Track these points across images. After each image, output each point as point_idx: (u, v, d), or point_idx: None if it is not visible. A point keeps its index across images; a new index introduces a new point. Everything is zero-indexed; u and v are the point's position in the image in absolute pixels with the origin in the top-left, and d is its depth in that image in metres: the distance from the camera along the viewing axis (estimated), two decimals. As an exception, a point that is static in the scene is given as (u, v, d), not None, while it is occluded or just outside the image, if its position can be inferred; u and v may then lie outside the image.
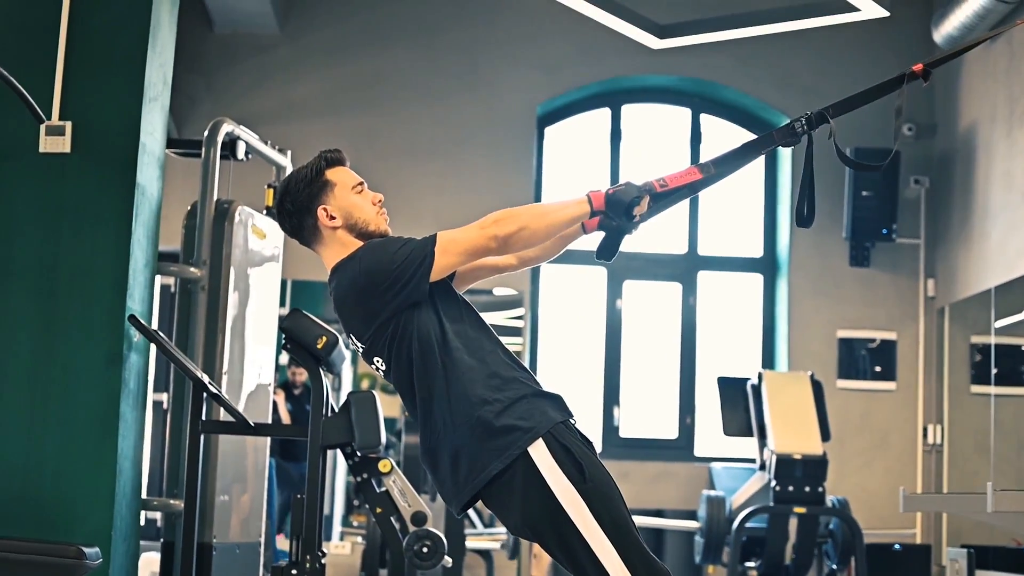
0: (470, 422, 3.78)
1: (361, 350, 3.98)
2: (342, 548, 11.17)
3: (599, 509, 3.69)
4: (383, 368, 3.94)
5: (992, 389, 11.34)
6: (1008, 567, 10.14)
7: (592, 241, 4.19)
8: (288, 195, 4.08)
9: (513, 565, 11.42)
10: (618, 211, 3.92)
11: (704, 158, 4.17)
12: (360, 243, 4.02)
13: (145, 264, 6.19)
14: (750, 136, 12.20)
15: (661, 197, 4.00)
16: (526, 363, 11.61)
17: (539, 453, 3.72)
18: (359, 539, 10.58)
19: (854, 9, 9.59)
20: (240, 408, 6.37)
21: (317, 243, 4.09)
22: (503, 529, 11.02)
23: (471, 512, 10.24)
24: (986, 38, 4.57)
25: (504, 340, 3.99)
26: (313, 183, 4.06)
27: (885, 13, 9.67)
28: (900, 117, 4.04)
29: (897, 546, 11.14)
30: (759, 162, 12.43)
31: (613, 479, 3.79)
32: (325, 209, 4.04)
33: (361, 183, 4.12)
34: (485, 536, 10.56)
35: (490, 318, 4.02)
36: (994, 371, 11.29)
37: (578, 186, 11.91)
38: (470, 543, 10.17)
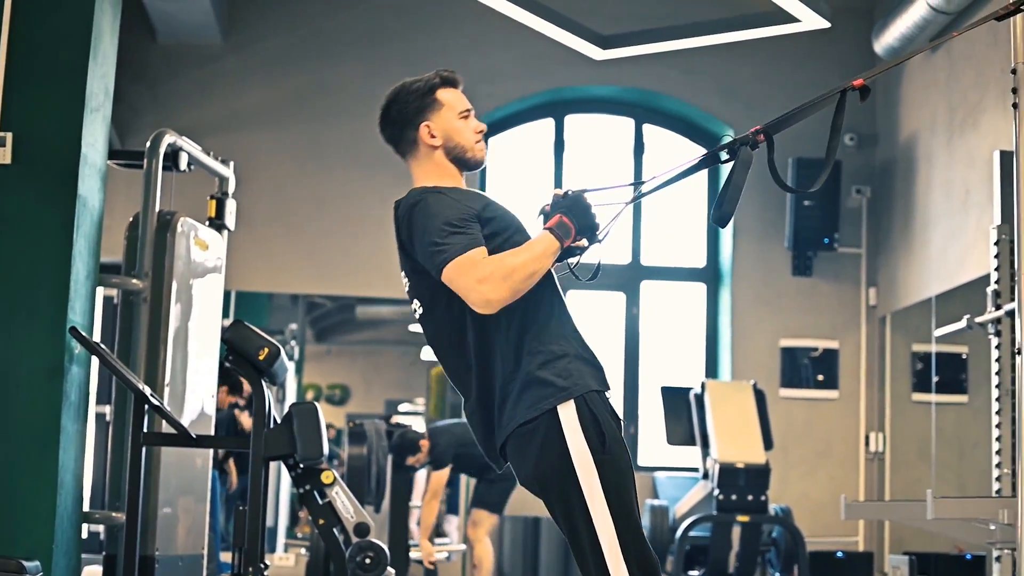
0: (517, 372, 3.80)
1: (406, 285, 4.02)
2: (286, 560, 11.15)
3: (609, 482, 3.71)
4: (420, 311, 3.97)
5: (933, 397, 11.42)
6: (949, 573, 10.21)
7: None
8: (395, 103, 4.14)
9: (458, 573, 11.42)
10: (584, 231, 3.93)
11: (647, 168, 4.18)
12: (453, 169, 4.08)
13: (87, 276, 6.16)
14: (692, 145, 12.30)
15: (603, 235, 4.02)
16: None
17: (567, 414, 3.74)
18: (303, 551, 10.55)
19: (796, 20, 9.65)
20: (182, 420, 6.36)
21: (412, 157, 4.13)
22: (447, 540, 11.03)
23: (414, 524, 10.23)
24: (922, 50, 4.61)
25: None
26: (424, 97, 4.10)
27: (826, 24, 9.74)
28: (838, 134, 4.02)
29: (840, 553, 11.20)
30: (701, 173, 12.55)
31: (631, 462, 3.82)
32: (428, 126, 4.07)
33: (469, 109, 4.14)
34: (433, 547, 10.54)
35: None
36: (935, 379, 11.37)
37: (523, 196, 11.93)
38: (414, 554, 10.17)
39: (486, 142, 4.18)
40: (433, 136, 4.06)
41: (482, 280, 3.75)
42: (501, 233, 3.91)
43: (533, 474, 3.81)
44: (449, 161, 4.07)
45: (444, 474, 9.78)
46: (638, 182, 4.12)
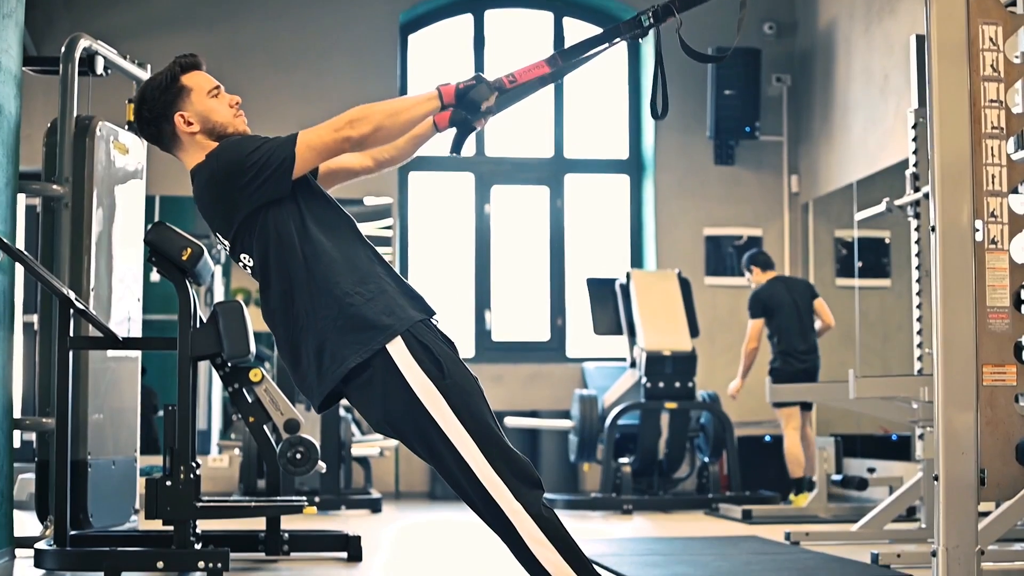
0: (332, 314, 3.82)
1: (227, 248, 4.00)
2: (220, 461, 11.19)
3: (458, 404, 3.76)
4: (250, 264, 3.96)
5: (856, 282, 11.54)
6: (873, 453, 10.38)
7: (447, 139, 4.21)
8: (145, 103, 4.06)
9: (391, 469, 11.51)
10: (468, 104, 3.96)
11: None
12: None
13: (6, 183, 6.13)
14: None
15: (511, 92, 4.06)
16: (397, 270, 11.65)
17: (398, 350, 3.77)
18: (236, 451, 10.60)
19: (711, -92, 9.63)
20: (109, 323, 6.36)
21: (177, 149, 4.07)
22: (379, 436, 11.10)
23: (345, 414, 10.26)
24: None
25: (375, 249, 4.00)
26: (168, 89, 4.03)
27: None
28: (744, 8, 4.06)
29: (767, 438, 11.35)
30: (622, 64, 12.55)
31: (474, 377, 3.86)
32: (182, 115, 4.02)
33: (218, 87, 4.10)
34: (364, 443, 10.61)
35: (361, 228, 4.02)
36: (858, 264, 11.49)
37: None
38: (365, 449, 10.30)
39: (242, 111, 4.16)
40: (189, 123, 4.02)
41: (342, 125, 3.82)
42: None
43: (384, 419, 3.84)
44: (213, 141, 4.03)
45: (758, 324, 10.39)
46: (557, 52, 4.15)
